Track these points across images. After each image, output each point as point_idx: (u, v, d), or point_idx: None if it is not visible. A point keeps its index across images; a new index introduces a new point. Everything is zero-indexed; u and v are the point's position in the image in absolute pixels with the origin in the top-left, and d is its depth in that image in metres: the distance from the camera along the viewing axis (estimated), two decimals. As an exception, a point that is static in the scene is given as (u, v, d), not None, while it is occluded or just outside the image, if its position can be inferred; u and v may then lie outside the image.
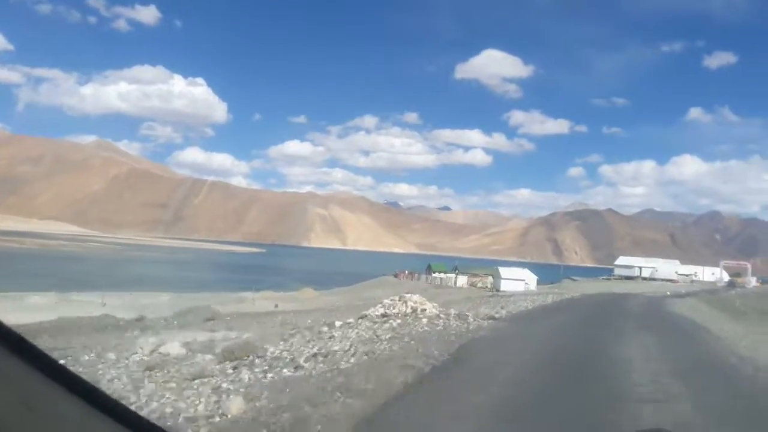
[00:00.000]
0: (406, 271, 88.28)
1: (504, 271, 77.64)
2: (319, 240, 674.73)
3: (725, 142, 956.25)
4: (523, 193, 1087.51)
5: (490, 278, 79.79)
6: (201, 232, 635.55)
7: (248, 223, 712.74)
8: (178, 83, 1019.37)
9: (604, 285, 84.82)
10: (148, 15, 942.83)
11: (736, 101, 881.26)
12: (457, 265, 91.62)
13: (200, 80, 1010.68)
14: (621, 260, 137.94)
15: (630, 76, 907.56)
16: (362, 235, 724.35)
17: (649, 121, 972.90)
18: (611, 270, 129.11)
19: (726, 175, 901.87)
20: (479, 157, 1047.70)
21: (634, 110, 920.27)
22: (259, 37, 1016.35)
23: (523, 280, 74.65)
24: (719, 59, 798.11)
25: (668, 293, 52.20)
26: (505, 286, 69.34)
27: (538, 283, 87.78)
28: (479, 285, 77.13)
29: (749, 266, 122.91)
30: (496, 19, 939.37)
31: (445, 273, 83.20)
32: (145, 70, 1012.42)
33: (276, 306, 46.05)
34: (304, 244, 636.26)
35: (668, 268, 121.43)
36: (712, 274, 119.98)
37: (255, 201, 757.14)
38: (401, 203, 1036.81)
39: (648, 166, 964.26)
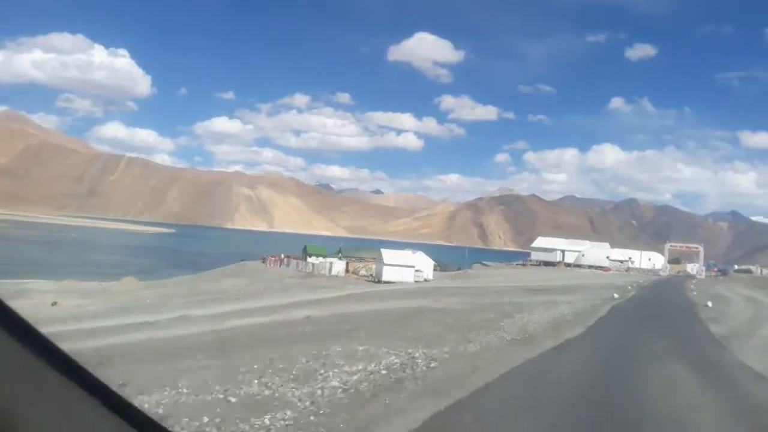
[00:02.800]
0: (281, 255, 78.26)
1: (388, 255, 62.84)
2: (245, 221, 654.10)
3: (643, 132, 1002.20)
4: (453, 178, 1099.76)
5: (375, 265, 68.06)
6: (117, 211, 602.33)
7: (169, 202, 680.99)
8: (99, 53, 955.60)
9: (517, 273, 74.51)
10: None
11: (654, 93, 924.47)
12: (341, 248, 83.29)
13: (123, 51, 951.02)
14: (539, 242, 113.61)
15: (556, 64, 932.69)
16: (290, 217, 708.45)
17: (573, 110, 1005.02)
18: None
19: (643, 164, 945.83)
20: (411, 141, 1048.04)
21: (559, 98, 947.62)
22: (187, 8, 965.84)
23: (412, 266, 62.36)
24: (640, 51, 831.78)
25: (615, 295, 33.80)
26: (390, 274, 57.80)
27: (440, 269, 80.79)
28: (362, 272, 67.74)
29: (701, 249, 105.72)
30: (429, 2, 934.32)
31: (325, 257, 73.84)
32: (63, 38, 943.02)
33: (54, 304, 36.51)
34: (228, 225, 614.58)
35: (597, 252, 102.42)
36: (649, 259, 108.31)
37: (177, 179, 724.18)
38: (333, 186, 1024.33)
39: (570, 153, 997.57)
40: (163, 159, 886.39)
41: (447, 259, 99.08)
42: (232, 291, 44.85)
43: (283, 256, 77.69)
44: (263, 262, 75.24)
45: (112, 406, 1.52)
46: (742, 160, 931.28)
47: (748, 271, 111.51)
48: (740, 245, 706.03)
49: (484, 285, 45.91)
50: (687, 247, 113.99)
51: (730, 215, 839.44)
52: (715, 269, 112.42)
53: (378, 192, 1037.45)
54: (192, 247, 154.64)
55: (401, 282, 55.27)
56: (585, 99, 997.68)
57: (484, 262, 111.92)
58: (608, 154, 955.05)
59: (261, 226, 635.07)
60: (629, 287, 45.59)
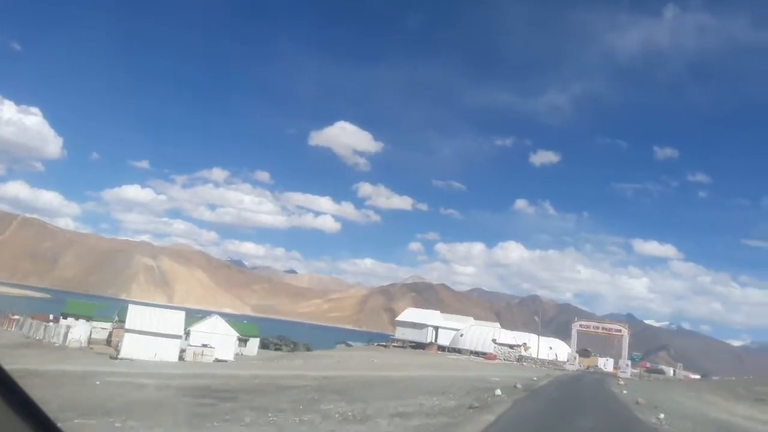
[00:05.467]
0: (10, 314, 65.11)
1: (137, 316, 43.10)
2: (142, 293, 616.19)
3: (545, 232, 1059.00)
4: (367, 263, 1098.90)
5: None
6: (0, 273, 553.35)
7: (61, 267, 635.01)
8: (9, 109, 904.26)
9: (362, 357, 61.30)
10: None
11: (555, 197, 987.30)
12: (119, 309, 68.73)
13: (35, 110, 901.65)
14: (408, 314, 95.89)
15: (467, 162, 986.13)
16: (193, 292, 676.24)
17: (481, 207, 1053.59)
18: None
19: (545, 262, 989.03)
20: (328, 224, 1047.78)
21: (469, 195, 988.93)
22: (105, 74, 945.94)
23: (178, 336, 42.96)
24: (542, 157, 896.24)
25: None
26: (133, 346, 40.11)
27: (280, 347, 72.96)
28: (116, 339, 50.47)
29: (625, 332, 78.35)
30: (351, 93, 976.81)
31: (89, 319, 59.56)
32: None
33: None
34: (123, 296, 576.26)
35: (482, 333, 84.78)
36: (550, 348, 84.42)
37: (74, 244, 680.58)
38: (246, 262, 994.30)
39: (478, 247, 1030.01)
40: (66, 223, 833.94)
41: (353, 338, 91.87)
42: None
43: (14, 315, 65.02)
44: None
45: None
46: (635, 265, 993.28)
47: (660, 372, 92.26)
48: (635, 347, 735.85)
49: (279, 374, 36.00)
50: (604, 329, 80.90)
51: (626, 317, 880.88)
52: (647, 365, 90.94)
53: (292, 272, 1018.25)
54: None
55: (153, 361, 39.33)
56: (492, 198, 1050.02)
57: (348, 342, 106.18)
58: (513, 251, 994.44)
59: (160, 299, 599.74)
60: (497, 394, 26.76)
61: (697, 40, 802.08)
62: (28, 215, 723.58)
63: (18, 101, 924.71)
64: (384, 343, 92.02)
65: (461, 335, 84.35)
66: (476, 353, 76.40)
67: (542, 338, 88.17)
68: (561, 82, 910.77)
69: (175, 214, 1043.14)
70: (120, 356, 40.99)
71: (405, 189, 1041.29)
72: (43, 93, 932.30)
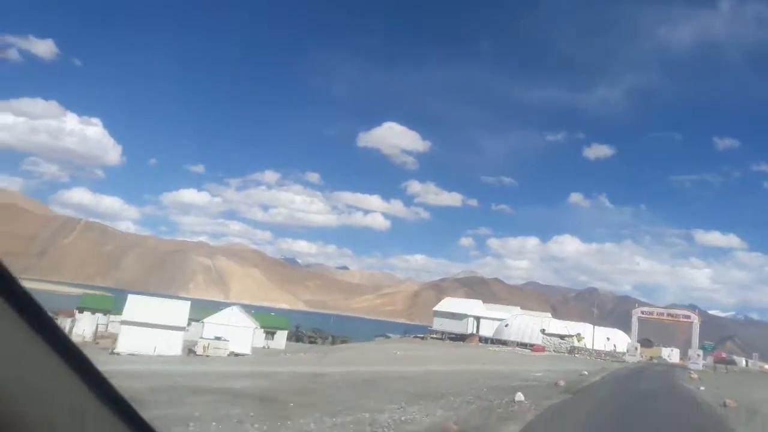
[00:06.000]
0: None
1: (134, 305, 39.96)
2: (200, 291, 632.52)
3: (601, 225, 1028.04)
4: (418, 259, 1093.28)
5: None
6: (66, 274, 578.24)
7: (123, 268, 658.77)
8: (71, 121, 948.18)
9: (385, 354, 50.59)
10: (44, 48, 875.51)
11: (611, 190, 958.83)
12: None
13: (96, 120, 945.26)
14: (446, 304, 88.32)
15: (517, 158, 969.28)
16: (248, 289, 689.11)
17: (534, 201, 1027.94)
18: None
19: (602, 255, 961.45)
20: (378, 221, 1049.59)
21: (520, 190, 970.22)
22: (161, 84, 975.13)
23: (182, 328, 39.07)
24: (596, 151, 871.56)
25: None
26: (131, 339, 36.74)
27: (307, 337, 70.66)
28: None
29: (695, 319, 68.77)
30: (398, 94, 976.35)
31: (106, 313, 55.55)
32: (35, 104, 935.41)
33: None
34: (182, 294, 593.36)
35: (528, 323, 77.69)
36: (608, 338, 75.58)
37: (135, 246, 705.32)
38: (299, 260, 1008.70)
39: (532, 242, 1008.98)
40: (127, 226, 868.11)
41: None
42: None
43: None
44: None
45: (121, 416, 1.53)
46: (697, 257, 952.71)
47: (733, 362, 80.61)
48: (702, 337, 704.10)
49: (247, 371, 29.80)
50: (669, 315, 71.49)
51: (689, 308, 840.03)
52: (723, 355, 77.85)
53: (344, 268, 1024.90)
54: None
55: (154, 356, 35.44)
56: (545, 192, 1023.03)
57: (387, 334, 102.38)
58: (568, 245, 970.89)
59: (217, 296, 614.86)
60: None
61: (754, 31, 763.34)
62: (90, 219, 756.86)
63: (80, 113, 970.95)
64: (421, 336, 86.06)
65: (506, 326, 76.94)
66: (523, 345, 70.09)
67: (599, 328, 78.84)
68: (613, 75, 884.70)
69: (231, 215, 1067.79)
70: (117, 350, 37.57)
71: (454, 186, 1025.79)
72: (102, 104, 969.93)
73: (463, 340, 75.68)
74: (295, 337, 66.19)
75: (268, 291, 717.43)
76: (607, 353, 66.41)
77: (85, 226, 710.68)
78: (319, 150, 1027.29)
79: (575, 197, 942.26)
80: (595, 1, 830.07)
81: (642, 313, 70.40)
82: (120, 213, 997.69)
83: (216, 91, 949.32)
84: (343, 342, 74.03)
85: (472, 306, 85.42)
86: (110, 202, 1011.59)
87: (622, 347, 71.68)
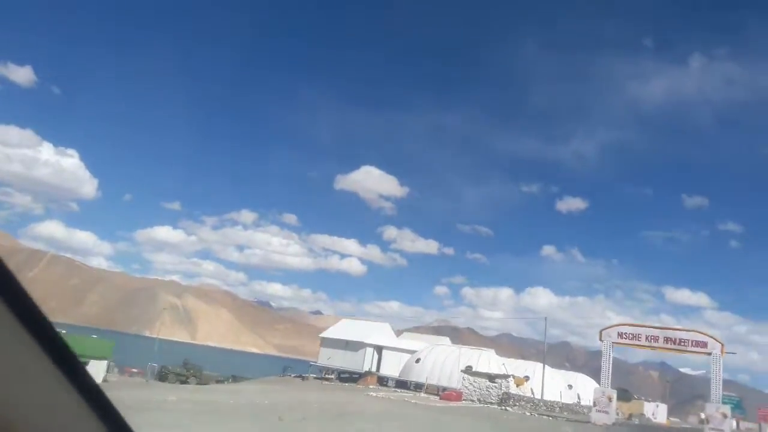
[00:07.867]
0: None
1: None
2: (166, 331, 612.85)
3: (574, 279, 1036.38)
4: (393, 305, 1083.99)
5: None
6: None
7: (87, 304, 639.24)
8: (47, 151, 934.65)
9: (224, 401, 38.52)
10: (22, 75, 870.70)
11: (583, 243, 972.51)
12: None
13: (72, 152, 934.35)
14: (338, 328, 63.84)
15: (493, 208, 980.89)
16: (216, 330, 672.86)
17: (508, 252, 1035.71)
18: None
19: (574, 309, 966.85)
20: (354, 266, 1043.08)
21: (495, 240, 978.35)
22: (141, 117, 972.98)
23: None
24: (569, 204, 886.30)
25: None
26: None
27: (164, 377, 49.15)
28: None
29: (717, 349, 36.57)
30: (377, 138, 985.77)
31: None
32: (9, 131, 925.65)
33: None
34: (146, 333, 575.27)
35: (450, 356, 54.05)
36: (569, 386, 55.84)
37: (101, 282, 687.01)
38: (273, 303, 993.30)
39: (506, 293, 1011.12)
40: (99, 262, 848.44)
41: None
42: None
43: None
44: None
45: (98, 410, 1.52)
46: (668, 313, 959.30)
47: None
48: (672, 395, 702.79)
49: None
50: (668, 339, 37.70)
51: (660, 365, 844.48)
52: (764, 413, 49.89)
53: (318, 313, 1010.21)
54: None
55: None
56: (519, 243, 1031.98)
57: (289, 372, 67.57)
58: (541, 297, 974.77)
59: (183, 337, 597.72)
60: None
61: (724, 91, 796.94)
62: (59, 253, 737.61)
63: (56, 143, 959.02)
64: (301, 375, 60.85)
65: (417, 361, 54.59)
66: (436, 388, 49.05)
67: (558, 371, 62.37)
68: (587, 129, 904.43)
69: (205, 255, 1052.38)
70: None
71: (430, 233, 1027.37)
72: (80, 135, 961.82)
73: (356, 381, 53.46)
74: (158, 375, 53.55)
75: (238, 334, 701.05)
76: (565, 406, 44.24)
77: (52, 259, 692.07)
78: (296, 191, 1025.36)
79: (548, 249, 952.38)
80: (572, 56, 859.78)
81: (620, 335, 38.91)
82: (92, 248, 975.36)
83: (195, 128, 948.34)
84: (217, 382, 55.45)
85: (376, 331, 61.33)
86: (83, 237, 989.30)
87: (588, 398, 48.43)
